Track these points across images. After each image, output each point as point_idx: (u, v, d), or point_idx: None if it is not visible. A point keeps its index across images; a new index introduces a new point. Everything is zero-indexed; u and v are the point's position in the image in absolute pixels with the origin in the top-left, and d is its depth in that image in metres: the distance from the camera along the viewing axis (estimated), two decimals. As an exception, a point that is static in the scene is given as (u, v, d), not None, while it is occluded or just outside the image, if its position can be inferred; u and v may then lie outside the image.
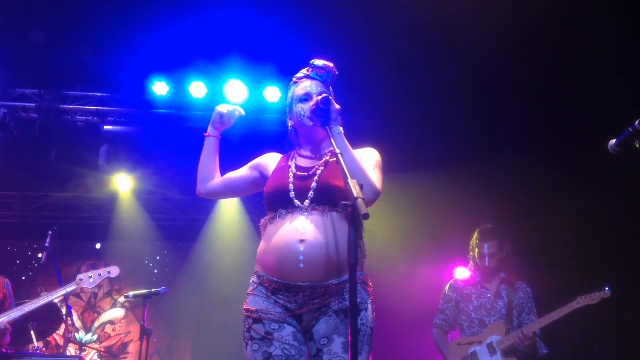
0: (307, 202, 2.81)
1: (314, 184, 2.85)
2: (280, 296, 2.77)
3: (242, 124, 7.72)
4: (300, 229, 2.75)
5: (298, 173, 2.92)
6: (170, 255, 9.68)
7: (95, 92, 7.77)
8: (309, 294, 2.74)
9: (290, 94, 3.12)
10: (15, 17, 6.41)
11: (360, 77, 6.94)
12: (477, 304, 5.13)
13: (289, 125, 3.13)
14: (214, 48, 6.96)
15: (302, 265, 2.71)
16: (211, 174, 3.13)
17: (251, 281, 2.89)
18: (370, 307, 2.82)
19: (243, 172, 3.17)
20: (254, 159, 3.19)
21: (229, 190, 3.20)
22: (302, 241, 2.73)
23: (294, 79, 3.12)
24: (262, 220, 2.94)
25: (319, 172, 2.90)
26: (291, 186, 2.86)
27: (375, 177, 2.86)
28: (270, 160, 3.13)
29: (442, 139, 7.55)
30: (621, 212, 6.52)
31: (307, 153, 3.05)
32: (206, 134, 3.16)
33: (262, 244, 2.89)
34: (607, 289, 4.80)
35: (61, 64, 7.14)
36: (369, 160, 2.95)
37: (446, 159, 7.36)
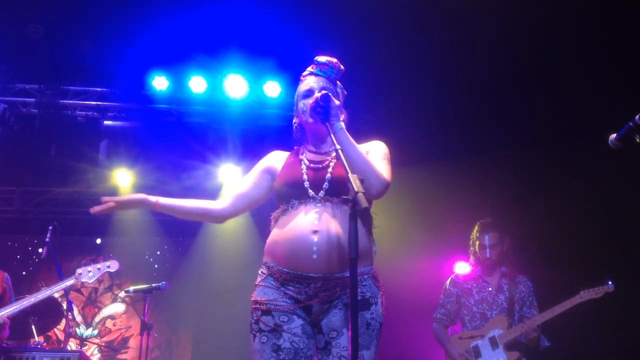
0: (322, 193, 2.82)
1: (328, 175, 2.86)
2: (290, 287, 2.76)
3: (243, 118, 7.86)
4: (314, 220, 2.76)
5: (311, 165, 2.93)
6: (170, 250, 9.69)
7: (95, 87, 7.77)
8: (320, 286, 2.74)
9: (296, 92, 3.13)
10: (14, 12, 6.40)
11: (360, 71, 6.91)
12: (478, 297, 5.13)
13: (294, 122, 3.14)
14: (213, 42, 6.96)
15: (315, 257, 2.71)
16: (207, 213, 3.06)
17: (259, 272, 2.88)
18: (379, 301, 2.83)
19: (256, 180, 3.09)
20: (256, 158, 3.15)
21: (253, 202, 3.10)
22: (315, 232, 2.73)
23: (301, 77, 3.13)
24: (274, 213, 2.93)
25: (331, 164, 2.91)
26: (305, 176, 2.87)
27: (383, 168, 2.86)
28: (277, 158, 3.12)
29: (442, 133, 7.54)
30: (622, 206, 6.52)
31: (314, 149, 3.05)
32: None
33: (273, 235, 2.88)
34: (610, 282, 4.80)
35: (61, 58, 7.14)
36: (377, 152, 2.96)
37: (446, 153, 7.36)
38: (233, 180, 8.56)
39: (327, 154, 3.01)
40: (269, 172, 3.08)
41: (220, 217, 3.07)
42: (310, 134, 3.08)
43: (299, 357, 2.71)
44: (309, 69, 3.11)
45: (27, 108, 7.63)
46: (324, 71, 3.06)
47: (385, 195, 2.83)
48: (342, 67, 3.07)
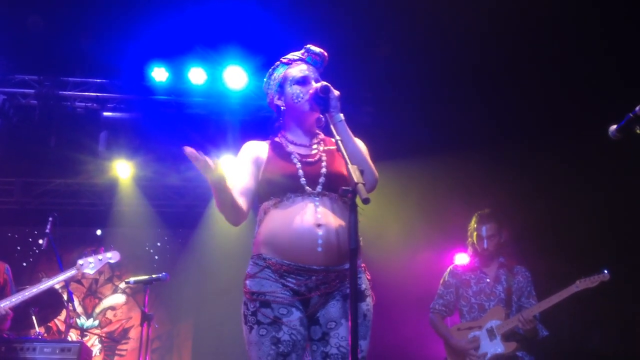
0: (319, 188, 2.81)
1: (323, 170, 2.85)
2: (289, 279, 2.75)
3: (242, 109, 7.86)
4: (316, 214, 2.75)
5: (303, 159, 2.90)
6: (170, 241, 9.71)
7: (95, 79, 7.78)
8: (321, 278, 2.75)
9: (278, 74, 3.09)
10: (14, 3, 6.40)
11: (360, 63, 6.93)
12: (476, 288, 5.14)
13: (281, 105, 3.05)
14: (213, 34, 6.95)
15: (319, 249, 2.71)
16: (237, 209, 2.81)
17: (252, 263, 2.84)
18: (370, 293, 2.88)
19: (251, 171, 2.94)
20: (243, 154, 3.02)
21: (254, 195, 2.93)
22: (319, 225, 2.73)
23: (285, 60, 3.11)
24: (264, 204, 2.87)
25: (323, 158, 2.91)
26: (301, 172, 2.84)
27: (372, 165, 2.89)
28: (259, 148, 3.02)
29: (442, 124, 7.55)
30: (619, 196, 6.53)
31: (296, 139, 3.01)
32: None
33: (267, 227, 2.81)
34: (605, 271, 4.80)
35: (60, 50, 7.14)
36: (363, 149, 2.95)
37: (446, 145, 7.36)
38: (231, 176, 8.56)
39: (310, 146, 2.99)
40: (256, 164, 2.96)
41: (241, 217, 2.87)
42: (295, 121, 3.03)
43: (296, 349, 2.70)
44: (298, 54, 3.10)
45: (27, 99, 7.63)
46: (315, 61, 3.07)
47: (377, 187, 2.86)
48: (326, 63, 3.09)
